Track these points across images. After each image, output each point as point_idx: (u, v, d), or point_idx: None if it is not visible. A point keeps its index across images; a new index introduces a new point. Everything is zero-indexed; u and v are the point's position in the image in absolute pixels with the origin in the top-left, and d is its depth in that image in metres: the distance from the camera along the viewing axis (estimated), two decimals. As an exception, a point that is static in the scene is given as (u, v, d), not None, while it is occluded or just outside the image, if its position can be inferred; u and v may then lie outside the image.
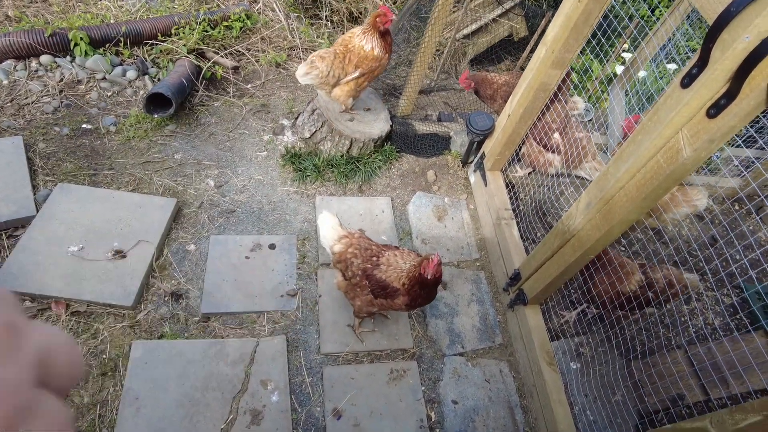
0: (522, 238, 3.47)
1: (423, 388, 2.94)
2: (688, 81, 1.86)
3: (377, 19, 3.23)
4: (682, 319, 3.54)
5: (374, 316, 3.14)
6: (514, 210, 3.60)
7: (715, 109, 1.78)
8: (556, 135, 3.54)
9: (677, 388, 2.81)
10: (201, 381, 2.69)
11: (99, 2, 4.81)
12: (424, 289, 2.55)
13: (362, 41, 3.31)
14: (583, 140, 3.52)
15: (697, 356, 2.87)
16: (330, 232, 2.80)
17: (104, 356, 2.71)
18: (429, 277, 2.45)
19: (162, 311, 2.95)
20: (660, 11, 5.82)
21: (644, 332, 3.28)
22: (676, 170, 1.97)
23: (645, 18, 5.81)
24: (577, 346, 3.11)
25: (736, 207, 4.12)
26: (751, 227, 4.29)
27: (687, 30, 4.12)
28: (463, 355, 3.13)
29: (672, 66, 4.33)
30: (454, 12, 5.61)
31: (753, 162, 3.82)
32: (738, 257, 3.87)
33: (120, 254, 3.03)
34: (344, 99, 3.52)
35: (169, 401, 2.59)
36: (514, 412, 2.93)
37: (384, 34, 3.31)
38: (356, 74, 3.38)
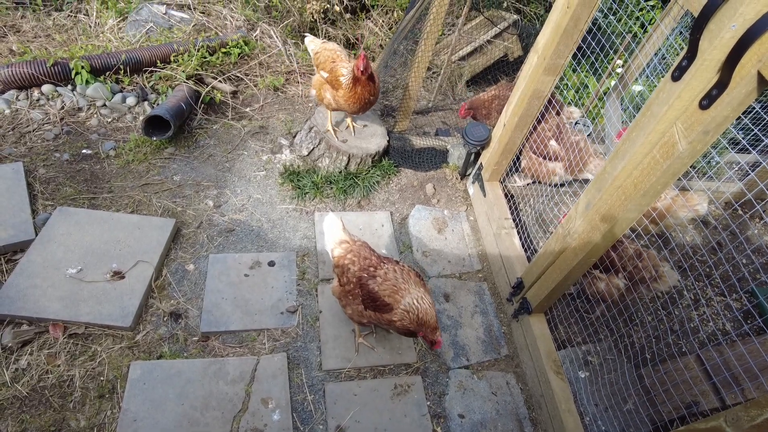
0: (524, 248, 3.43)
1: (428, 402, 2.86)
2: (678, 74, 1.86)
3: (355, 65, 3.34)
4: (692, 325, 3.45)
5: (375, 330, 3.09)
6: (514, 219, 3.57)
7: (707, 100, 1.77)
8: (553, 143, 3.54)
9: (692, 395, 2.72)
10: (200, 401, 2.62)
11: (101, 34, 4.93)
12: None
13: (343, 67, 3.44)
14: (581, 142, 3.52)
15: (710, 359, 2.78)
16: (333, 235, 2.80)
17: (102, 378, 2.66)
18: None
19: (161, 331, 2.91)
20: (652, 20, 5.89)
21: (653, 339, 3.20)
22: (672, 164, 1.95)
23: (636, 32, 5.88)
24: (585, 354, 3.03)
25: (739, 212, 4.07)
26: (756, 231, 4.23)
27: (679, 35, 4.15)
28: (469, 368, 3.06)
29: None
30: (447, 35, 5.73)
31: (760, 163, 3.79)
32: (745, 261, 3.81)
33: (118, 275, 3.01)
34: (313, 83, 3.76)
35: (167, 422, 2.52)
36: (523, 425, 2.84)
37: (356, 80, 3.37)
38: (325, 75, 3.54)
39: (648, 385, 2.81)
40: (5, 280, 2.86)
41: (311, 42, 3.74)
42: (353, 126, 4.05)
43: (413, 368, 3.01)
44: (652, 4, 5.59)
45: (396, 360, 3.00)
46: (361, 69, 3.27)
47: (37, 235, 3.09)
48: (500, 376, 3.05)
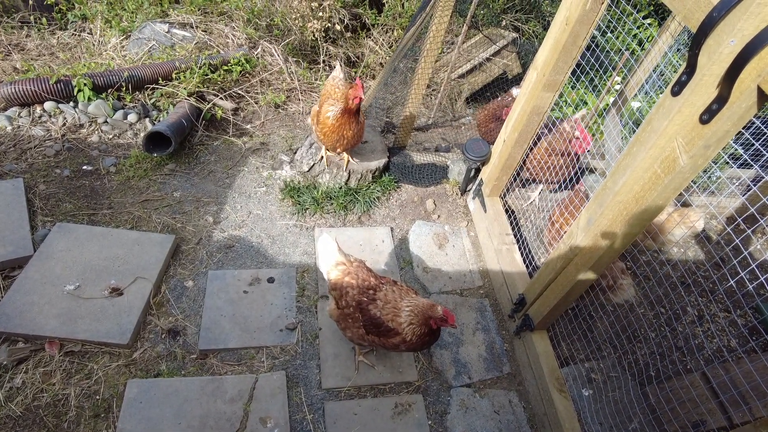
0: (526, 264, 3.41)
1: (429, 422, 2.81)
2: (678, 89, 1.87)
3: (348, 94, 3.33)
4: (697, 341, 3.41)
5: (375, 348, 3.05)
6: (515, 235, 3.55)
7: (707, 115, 1.77)
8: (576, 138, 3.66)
9: (698, 413, 2.67)
10: (198, 420, 2.57)
11: (104, 52, 4.98)
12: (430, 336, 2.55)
13: (330, 106, 3.47)
14: (572, 121, 3.69)
15: (716, 376, 2.74)
16: (328, 256, 2.75)
17: (97, 397, 2.61)
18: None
19: (159, 349, 2.87)
20: (650, 37, 5.95)
21: (658, 356, 3.15)
22: (674, 179, 1.94)
23: (633, 50, 5.94)
24: (588, 371, 2.98)
25: (741, 226, 4.05)
26: (759, 246, 4.21)
27: (677, 52, 4.19)
28: (471, 386, 3.01)
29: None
30: (447, 53, 5.79)
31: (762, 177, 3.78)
32: (748, 277, 3.78)
33: (117, 292, 2.98)
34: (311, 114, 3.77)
35: (163, 443, 2.47)
36: (527, 445, 2.78)
37: (344, 110, 3.38)
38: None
39: (653, 404, 2.76)
40: (2, 297, 2.83)
41: (335, 70, 3.72)
42: (349, 162, 3.93)
43: (414, 387, 2.96)
44: (649, 22, 5.65)
45: (396, 378, 2.96)
46: (360, 95, 3.25)
47: (35, 251, 3.07)
48: (503, 395, 3.00)
